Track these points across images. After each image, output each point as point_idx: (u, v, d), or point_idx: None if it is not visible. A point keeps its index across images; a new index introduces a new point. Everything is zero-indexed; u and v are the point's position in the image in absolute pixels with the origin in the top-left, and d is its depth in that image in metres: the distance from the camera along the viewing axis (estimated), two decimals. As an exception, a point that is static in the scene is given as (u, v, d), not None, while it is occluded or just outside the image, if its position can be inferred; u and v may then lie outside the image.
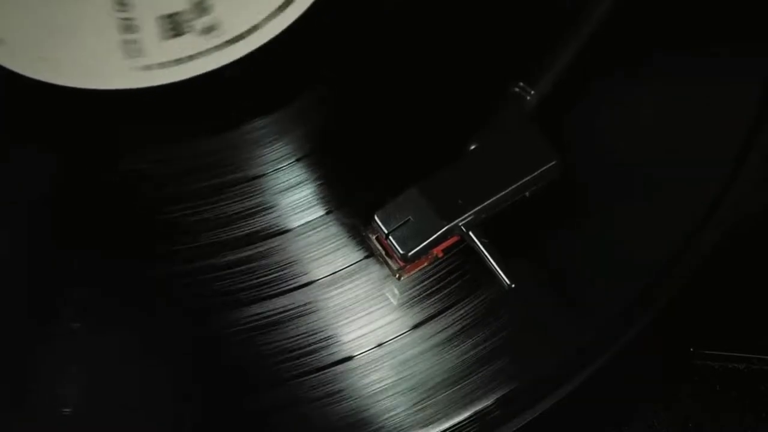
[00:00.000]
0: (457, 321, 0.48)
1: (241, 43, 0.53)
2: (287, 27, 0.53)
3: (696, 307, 0.51)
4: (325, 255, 0.49)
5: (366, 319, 0.48)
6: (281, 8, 0.53)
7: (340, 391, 0.47)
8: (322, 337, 0.48)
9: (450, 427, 0.47)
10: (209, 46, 0.52)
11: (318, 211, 0.50)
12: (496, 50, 0.52)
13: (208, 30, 0.52)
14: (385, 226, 0.46)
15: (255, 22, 0.53)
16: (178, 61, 0.52)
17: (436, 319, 0.48)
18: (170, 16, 0.53)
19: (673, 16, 0.53)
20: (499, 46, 0.52)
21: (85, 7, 0.53)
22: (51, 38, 0.53)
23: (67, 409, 0.47)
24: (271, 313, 0.48)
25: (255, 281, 0.48)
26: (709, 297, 0.51)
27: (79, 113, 0.52)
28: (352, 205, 0.49)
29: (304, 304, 0.48)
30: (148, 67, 0.52)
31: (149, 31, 0.53)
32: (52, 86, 0.52)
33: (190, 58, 0.52)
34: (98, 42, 0.52)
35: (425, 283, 0.49)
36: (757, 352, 0.51)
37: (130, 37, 0.52)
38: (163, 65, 0.52)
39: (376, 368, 0.48)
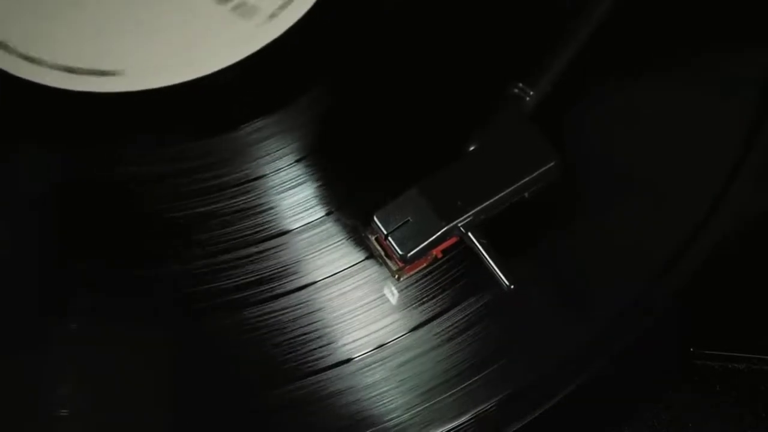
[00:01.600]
0: (457, 322, 0.48)
1: None
2: (286, 28, 0.53)
3: (696, 307, 0.51)
4: (325, 256, 0.49)
5: (366, 320, 0.48)
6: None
7: (340, 392, 0.47)
8: (322, 338, 0.48)
9: (450, 429, 0.47)
10: None
11: (318, 212, 0.50)
12: (496, 51, 0.52)
13: None
14: (384, 227, 0.46)
15: None
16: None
17: (436, 320, 0.48)
18: None
19: (672, 16, 0.52)
20: (498, 47, 0.52)
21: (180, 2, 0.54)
22: (171, 48, 0.53)
23: (65, 411, 0.47)
24: (271, 313, 0.48)
25: (255, 281, 0.48)
26: (709, 297, 0.51)
27: (80, 114, 0.52)
28: (352, 206, 0.49)
29: (304, 305, 0.48)
30: (273, 15, 0.53)
31: None
32: (52, 87, 0.52)
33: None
34: (212, 24, 0.53)
35: (425, 284, 0.49)
36: (757, 352, 0.51)
37: (234, 3, 0.53)
38: (282, 6, 0.53)
39: (376, 370, 0.48)
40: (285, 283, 0.48)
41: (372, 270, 0.49)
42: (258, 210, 0.50)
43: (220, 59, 0.53)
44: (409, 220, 0.46)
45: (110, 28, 0.53)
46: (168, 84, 0.52)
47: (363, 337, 0.48)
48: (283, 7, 0.53)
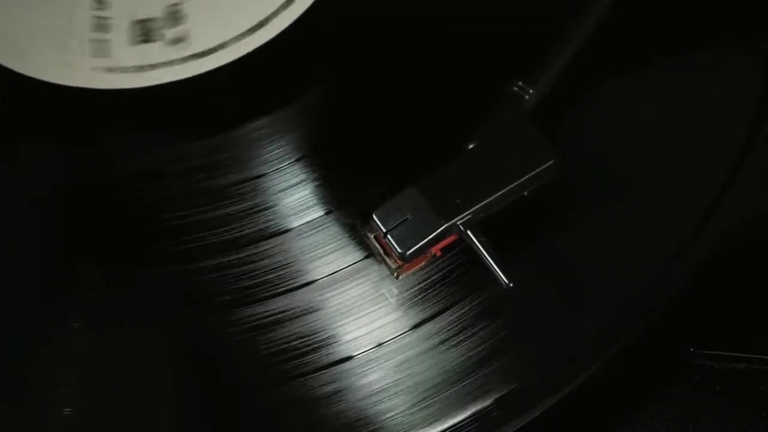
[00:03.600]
0: (456, 321, 0.48)
1: (205, 59, 0.52)
2: (286, 28, 0.53)
3: (696, 307, 0.51)
4: (325, 255, 0.49)
5: (366, 318, 0.48)
6: (251, 30, 0.53)
7: (339, 391, 0.47)
8: (321, 337, 0.48)
9: (449, 427, 0.47)
10: (174, 57, 0.52)
11: (318, 211, 0.50)
12: (495, 50, 0.52)
13: (177, 41, 0.52)
14: (383, 225, 0.46)
15: (223, 39, 0.53)
16: (140, 69, 0.52)
17: (435, 318, 0.48)
18: (144, 21, 0.53)
19: (672, 16, 0.53)
20: (497, 46, 0.52)
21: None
22: (26, 33, 0.53)
23: (68, 409, 0.47)
24: (271, 313, 0.48)
25: (255, 281, 0.48)
26: (709, 297, 0.51)
27: (80, 113, 0.52)
28: (351, 205, 0.49)
29: (304, 304, 0.48)
30: (110, 70, 0.52)
31: (121, 33, 0.53)
32: (53, 86, 0.52)
33: (152, 67, 0.52)
34: (69, 36, 0.52)
35: (425, 283, 0.49)
36: (757, 352, 0.51)
37: (101, 36, 0.52)
38: (125, 70, 0.52)
39: (376, 368, 0.48)
40: (285, 282, 0.48)
41: (372, 269, 0.49)
42: (258, 209, 0.50)
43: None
44: (408, 218, 0.46)
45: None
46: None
47: (363, 335, 0.48)
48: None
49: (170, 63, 0.52)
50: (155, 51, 0.52)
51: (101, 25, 0.52)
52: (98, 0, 0.53)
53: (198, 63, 0.52)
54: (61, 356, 0.48)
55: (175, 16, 0.53)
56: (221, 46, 0.52)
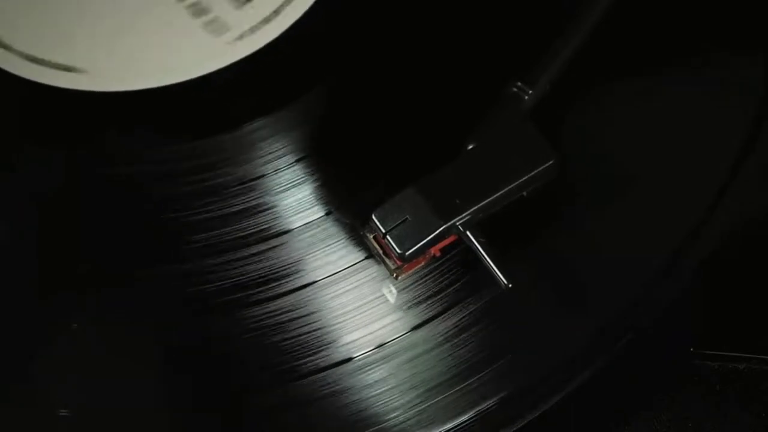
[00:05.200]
0: (457, 322, 0.48)
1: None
2: (286, 28, 0.53)
3: (696, 307, 0.51)
4: (325, 256, 0.49)
5: (366, 319, 0.48)
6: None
7: (340, 392, 0.47)
8: (322, 337, 0.48)
9: (451, 428, 0.47)
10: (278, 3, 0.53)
11: (318, 212, 0.50)
12: (494, 50, 0.52)
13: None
14: (382, 225, 0.46)
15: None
16: (266, 20, 0.53)
17: (435, 320, 0.48)
18: None
19: (672, 16, 0.52)
20: (497, 46, 0.52)
21: (151, 10, 0.54)
22: (136, 53, 0.53)
23: (65, 411, 0.47)
24: (271, 313, 0.48)
25: (255, 281, 0.48)
26: (709, 297, 0.51)
27: (80, 114, 0.52)
28: (351, 206, 0.49)
29: (304, 305, 0.48)
30: (241, 36, 0.52)
31: (222, 5, 0.53)
32: (53, 87, 0.52)
33: (276, 12, 0.53)
34: (181, 34, 0.53)
35: (425, 284, 0.49)
36: (757, 352, 0.51)
37: (207, 18, 0.53)
38: (253, 29, 0.53)
39: (377, 369, 0.48)
40: (285, 282, 0.48)
41: (372, 269, 0.49)
42: (258, 210, 0.50)
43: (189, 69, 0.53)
44: (407, 218, 0.46)
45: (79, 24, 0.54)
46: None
47: (363, 336, 0.48)
48: (284, 5, 0.53)
49: (286, 3, 0.53)
50: (260, 3, 0.53)
51: (199, 11, 0.53)
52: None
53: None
54: (60, 356, 0.48)
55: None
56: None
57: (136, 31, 0.53)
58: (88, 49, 0.53)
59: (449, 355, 0.48)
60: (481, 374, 0.47)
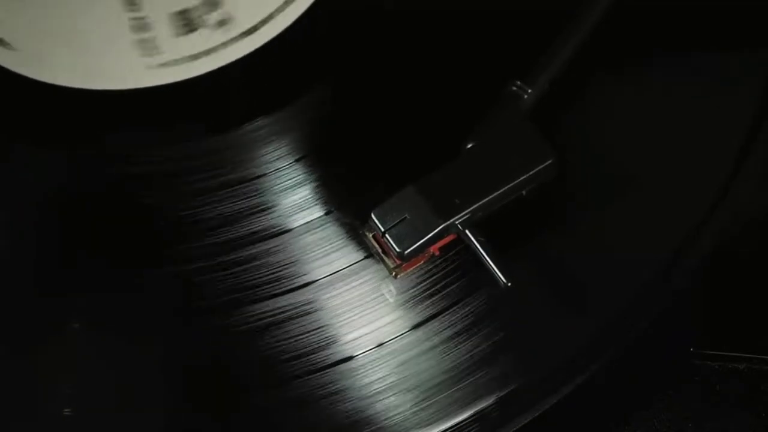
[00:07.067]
0: (456, 321, 0.48)
1: (256, 34, 0.53)
2: (287, 26, 0.53)
3: (696, 307, 0.50)
4: (325, 255, 0.49)
5: (366, 319, 0.48)
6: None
7: (340, 391, 0.47)
8: (322, 337, 0.48)
9: (450, 427, 0.47)
10: (224, 39, 0.53)
11: (318, 212, 0.50)
12: (494, 49, 0.52)
13: (221, 23, 0.53)
14: (381, 224, 0.46)
15: (268, 12, 0.53)
16: (195, 57, 0.52)
17: (436, 319, 0.48)
18: (182, 12, 0.53)
19: (671, 15, 0.52)
20: (496, 46, 0.52)
21: (94, 9, 0.53)
22: (63, 43, 0.53)
23: (68, 410, 0.47)
24: (271, 313, 0.48)
25: (255, 281, 0.49)
26: (709, 297, 0.51)
27: (80, 114, 0.52)
28: (351, 205, 0.49)
29: (304, 304, 0.48)
30: (165, 65, 0.52)
31: (163, 28, 0.53)
32: (53, 86, 0.52)
33: (207, 52, 0.52)
34: (111, 43, 0.53)
35: (425, 283, 0.49)
36: (757, 352, 0.51)
37: (144, 36, 0.53)
38: (178, 61, 0.52)
39: (377, 368, 0.48)
40: (285, 282, 0.49)
41: (372, 269, 0.49)
42: (258, 210, 0.50)
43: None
44: (406, 217, 0.46)
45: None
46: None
47: (363, 335, 0.48)
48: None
49: (223, 45, 0.52)
50: (204, 37, 0.53)
51: (140, 26, 0.53)
52: (130, 2, 0.53)
53: (250, 40, 0.53)
54: (60, 356, 0.48)
55: (211, 2, 0.53)
56: (268, 19, 0.53)
57: (71, 26, 0.53)
58: (25, 30, 0.53)
59: (449, 354, 0.48)
60: (480, 373, 0.47)
